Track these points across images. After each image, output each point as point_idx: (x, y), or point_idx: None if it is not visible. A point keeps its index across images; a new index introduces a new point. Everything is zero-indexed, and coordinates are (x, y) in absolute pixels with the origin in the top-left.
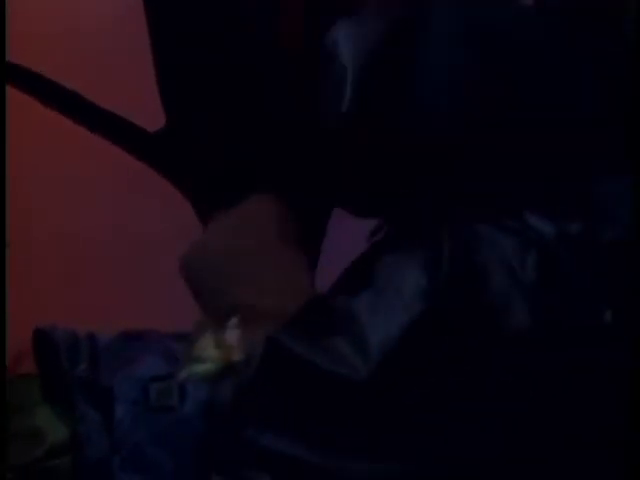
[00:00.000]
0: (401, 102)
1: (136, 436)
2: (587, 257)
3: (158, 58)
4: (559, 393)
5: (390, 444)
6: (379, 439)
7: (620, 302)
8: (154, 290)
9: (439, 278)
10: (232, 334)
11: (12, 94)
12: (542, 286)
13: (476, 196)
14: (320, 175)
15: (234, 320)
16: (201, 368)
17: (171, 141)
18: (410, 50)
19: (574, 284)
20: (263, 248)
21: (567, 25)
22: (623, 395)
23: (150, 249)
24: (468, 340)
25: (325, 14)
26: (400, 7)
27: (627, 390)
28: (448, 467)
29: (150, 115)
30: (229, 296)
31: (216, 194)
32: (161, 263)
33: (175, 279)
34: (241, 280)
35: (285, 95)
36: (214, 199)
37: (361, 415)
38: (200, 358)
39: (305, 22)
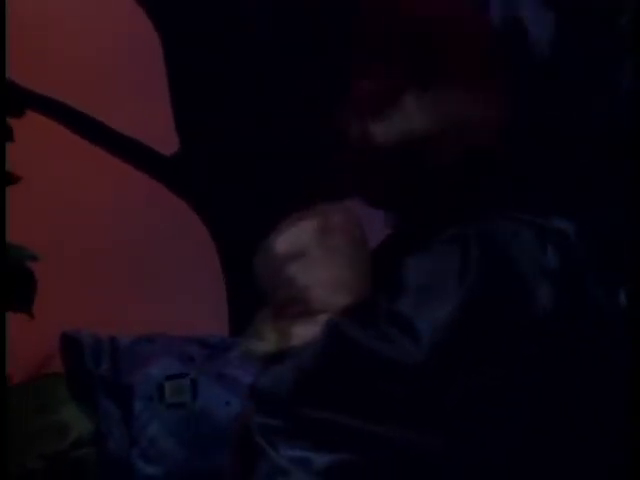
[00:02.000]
0: None
1: (152, 429)
2: (600, 246)
3: (173, 89)
4: (577, 372)
5: (440, 425)
6: (428, 418)
7: (634, 286)
8: (169, 297)
9: (472, 269)
10: (292, 324)
11: (45, 124)
12: (563, 271)
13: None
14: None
15: (292, 310)
16: (259, 346)
17: (185, 164)
18: None
19: (590, 269)
20: (329, 249)
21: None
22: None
23: (165, 261)
24: (505, 325)
25: None
26: None
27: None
28: (484, 450)
29: (165, 139)
30: (288, 290)
31: (230, 213)
32: (175, 273)
33: (188, 288)
34: (300, 277)
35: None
36: (227, 218)
37: (413, 396)
38: (259, 337)
39: None
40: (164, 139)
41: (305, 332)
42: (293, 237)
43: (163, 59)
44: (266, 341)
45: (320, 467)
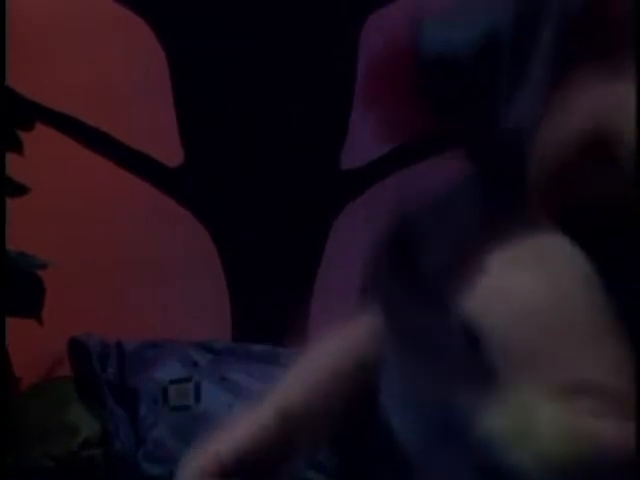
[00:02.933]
0: None
1: (157, 431)
2: None
3: (178, 103)
4: None
5: None
6: None
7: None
8: (174, 303)
9: None
10: (580, 419)
11: (54, 136)
12: None
13: None
14: None
15: (576, 404)
16: (541, 444)
17: (188, 175)
18: None
19: None
20: (591, 311)
21: None
22: None
23: (170, 269)
24: None
25: None
26: None
27: None
28: None
29: (170, 152)
30: (566, 369)
31: (232, 222)
32: (179, 281)
33: (192, 294)
34: (581, 350)
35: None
36: (231, 227)
37: None
38: (539, 435)
39: None
40: (169, 151)
41: (603, 432)
42: (549, 284)
43: (168, 72)
44: (556, 440)
45: None
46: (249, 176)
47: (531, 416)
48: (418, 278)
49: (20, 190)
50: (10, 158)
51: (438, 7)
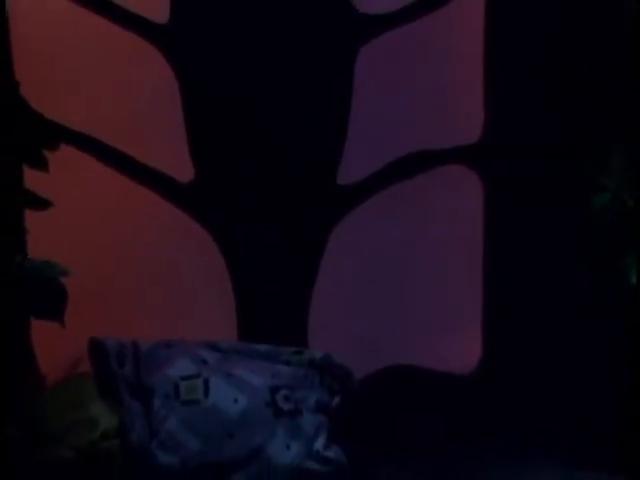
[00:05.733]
0: None
1: (169, 424)
2: None
3: (189, 125)
4: None
5: None
6: None
7: None
8: (184, 308)
9: None
10: None
11: (77, 155)
12: None
13: None
14: None
15: None
16: None
17: (198, 189)
18: None
19: None
20: None
21: None
22: None
23: (180, 278)
24: None
25: None
26: None
27: None
28: None
29: (181, 168)
30: None
31: (238, 233)
32: (190, 287)
33: (198, 300)
34: None
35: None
36: (237, 238)
37: None
38: None
39: None
40: (180, 167)
41: None
42: None
43: (180, 96)
44: None
45: None
46: (253, 191)
47: None
48: None
49: (44, 204)
50: (35, 175)
51: (427, 39)
